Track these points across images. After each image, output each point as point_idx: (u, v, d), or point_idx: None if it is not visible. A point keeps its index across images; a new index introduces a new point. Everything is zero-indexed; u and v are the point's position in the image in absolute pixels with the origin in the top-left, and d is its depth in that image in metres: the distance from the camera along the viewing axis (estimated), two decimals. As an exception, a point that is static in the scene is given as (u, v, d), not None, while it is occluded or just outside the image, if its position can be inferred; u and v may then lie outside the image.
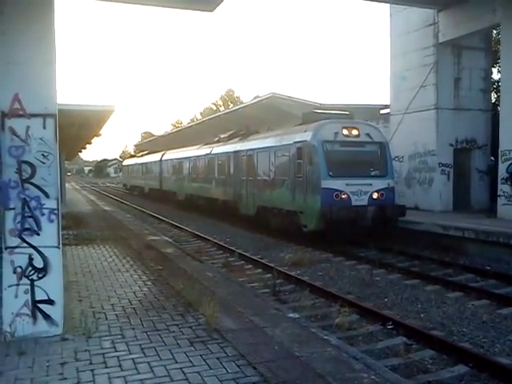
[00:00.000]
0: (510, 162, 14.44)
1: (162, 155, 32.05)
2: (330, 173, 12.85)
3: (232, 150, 19.28)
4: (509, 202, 14.45)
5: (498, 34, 18.22)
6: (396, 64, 18.72)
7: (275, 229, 15.25)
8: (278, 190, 15.10)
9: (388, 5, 18.63)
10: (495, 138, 15.89)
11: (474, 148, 17.57)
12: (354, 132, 13.49)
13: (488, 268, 10.58)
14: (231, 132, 21.38)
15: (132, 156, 53.87)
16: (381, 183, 13.32)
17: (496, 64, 20.61)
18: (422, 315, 7.58)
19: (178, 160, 27.77)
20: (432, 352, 6.00)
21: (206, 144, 23.73)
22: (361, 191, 12.91)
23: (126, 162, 49.08)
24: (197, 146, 25.19)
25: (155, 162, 33.47)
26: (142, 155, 40.85)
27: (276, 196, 15.22)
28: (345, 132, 13.38)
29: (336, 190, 12.69)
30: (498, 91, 19.54)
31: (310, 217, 13.06)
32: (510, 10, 14.55)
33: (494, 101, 20.38)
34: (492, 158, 17.35)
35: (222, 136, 21.97)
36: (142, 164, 37.92)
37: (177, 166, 27.94)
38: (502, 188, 14.65)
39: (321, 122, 13.81)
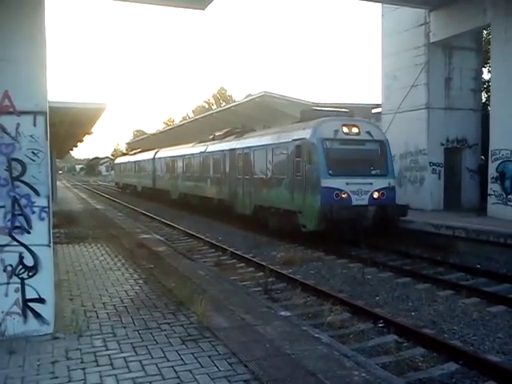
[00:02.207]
0: (500, 161, 14.57)
1: (156, 153, 31.71)
2: (330, 171, 12.56)
3: (228, 147, 18.91)
4: (499, 201, 14.59)
5: (489, 34, 18.36)
6: (387, 63, 18.80)
7: (273, 229, 14.91)
8: (275, 189, 14.80)
9: (380, 4, 18.70)
10: (485, 137, 16.01)
11: (464, 147, 17.69)
12: (354, 130, 13.22)
13: (478, 266, 10.67)
14: (226, 130, 21.02)
15: (124, 154, 53.30)
16: (381, 182, 13.09)
17: (486, 64, 20.75)
18: (412, 313, 7.63)
19: (172, 158, 27.43)
20: (423, 350, 6.05)
21: (201, 142, 23.40)
22: (361, 190, 12.66)
23: (119, 160, 48.58)
24: (191, 144, 24.86)
25: (148, 160, 33.13)
26: (134, 153, 40.37)
27: (274, 195, 14.91)
28: (345, 130, 13.10)
29: (336, 189, 12.41)
30: (488, 91, 19.70)
31: (310, 217, 12.78)
32: (500, 11, 14.66)
33: (484, 100, 20.54)
34: (482, 157, 17.50)
35: (218, 134, 21.52)
36: (135, 162, 37.55)
37: (170, 165, 27.61)
38: (492, 187, 14.78)
39: (320, 120, 13.52)
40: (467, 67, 17.87)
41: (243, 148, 17.43)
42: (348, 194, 12.50)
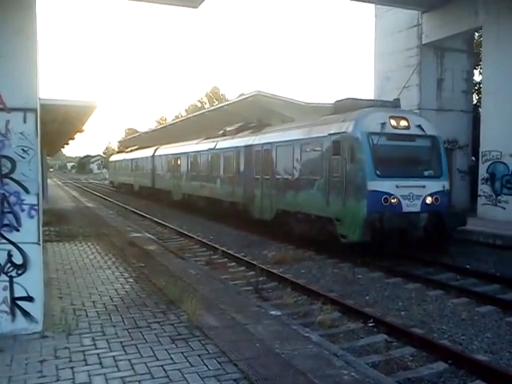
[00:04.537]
0: (490, 162, 14.70)
1: (155, 150, 30.03)
2: (378, 172, 10.71)
3: (243, 144, 16.91)
4: (488, 202, 14.72)
5: (480, 36, 18.50)
6: (380, 64, 18.90)
7: (299, 237, 13.22)
8: (305, 192, 12.83)
9: (373, 5, 18.79)
10: (476, 138, 16.16)
11: (455, 148, 17.83)
12: (403, 123, 11.35)
13: (468, 267, 10.75)
14: (239, 124, 19.10)
15: (120, 151, 51.44)
16: (435, 185, 11.23)
17: (478, 66, 20.93)
18: (402, 313, 7.66)
19: (175, 156, 25.38)
20: (412, 349, 6.08)
21: (208, 138, 21.49)
22: (413, 195, 10.84)
23: (114, 158, 46.82)
24: (196, 141, 22.83)
25: (147, 157, 31.41)
26: (131, 150, 38.64)
27: (302, 199, 12.96)
28: (393, 123, 11.21)
29: (385, 194, 10.58)
30: (479, 93, 19.85)
31: (352, 226, 10.82)
32: (492, 13, 14.78)
33: (475, 102, 20.71)
34: (473, 158, 17.66)
35: (229, 129, 19.56)
36: (132, 160, 35.83)
37: (173, 163, 25.62)
38: (483, 188, 14.91)
39: (364, 110, 11.55)
40: (459, 69, 18.03)
41: (263, 144, 15.40)
42: (398, 200, 10.70)
